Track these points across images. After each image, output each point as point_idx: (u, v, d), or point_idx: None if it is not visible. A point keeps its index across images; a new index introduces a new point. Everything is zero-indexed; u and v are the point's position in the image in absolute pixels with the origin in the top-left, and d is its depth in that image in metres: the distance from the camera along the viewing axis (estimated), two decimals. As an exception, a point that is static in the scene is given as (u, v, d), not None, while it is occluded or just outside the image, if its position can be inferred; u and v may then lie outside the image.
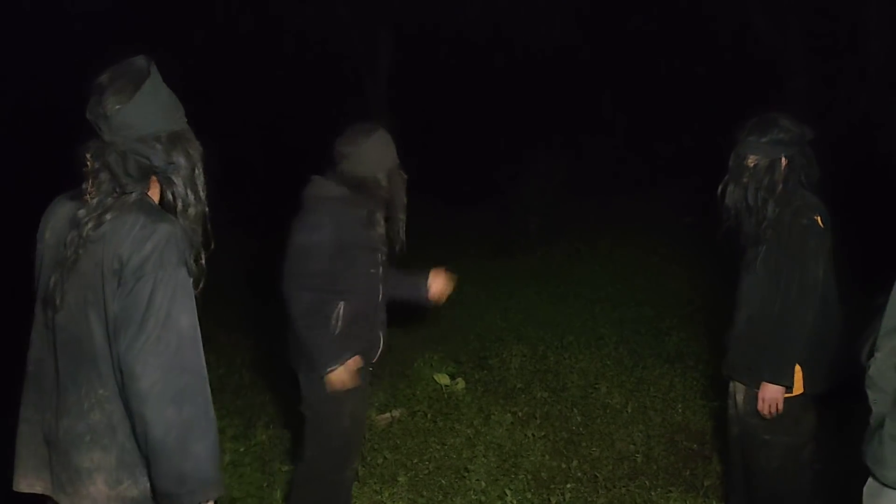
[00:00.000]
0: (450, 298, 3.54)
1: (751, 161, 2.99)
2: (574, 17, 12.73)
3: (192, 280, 1.87)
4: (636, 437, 4.59)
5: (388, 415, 4.87)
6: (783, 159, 2.96)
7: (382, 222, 3.18)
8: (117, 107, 1.77)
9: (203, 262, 1.96)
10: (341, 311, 3.11)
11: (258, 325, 6.67)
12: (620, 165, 13.60)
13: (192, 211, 1.90)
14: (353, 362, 3.10)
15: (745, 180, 2.99)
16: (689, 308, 7.18)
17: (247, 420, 4.63)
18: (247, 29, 11.65)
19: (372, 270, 3.18)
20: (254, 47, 11.91)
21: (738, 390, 3.21)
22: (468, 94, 14.24)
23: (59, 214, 1.91)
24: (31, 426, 1.92)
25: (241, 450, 4.23)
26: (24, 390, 1.96)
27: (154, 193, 1.91)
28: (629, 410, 4.93)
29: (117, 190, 1.81)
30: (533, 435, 4.57)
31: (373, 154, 3.08)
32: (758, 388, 3.01)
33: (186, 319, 1.80)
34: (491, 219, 11.27)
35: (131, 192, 1.81)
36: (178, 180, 1.88)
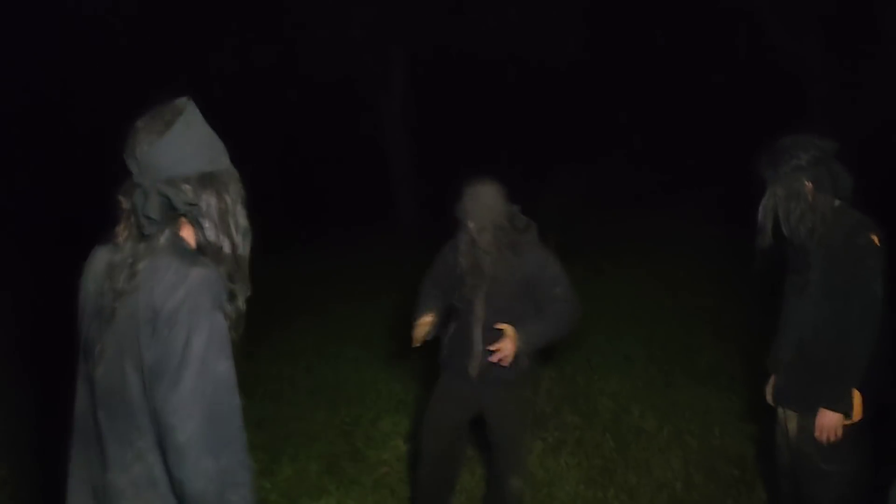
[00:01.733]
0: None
1: (780, 191, 2.86)
2: (587, 31, 12.61)
3: (229, 324, 1.77)
4: (674, 463, 4.40)
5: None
6: (807, 184, 2.82)
7: (464, 258, 3.38)
8: (146, 147, 1.71)
9: (242, 305, 1.86)
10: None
11: (279, 353, 6.58)
12: (639, 177, 13.47)
13: (225, 254, 1.81)
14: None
15: (778, 212, 2.86)
16: (719, 324, 6.99)
17: (271, 454, 4.48)
18: (262, 52, 11.63)
19: (456, 296, 3.46)
20: (268, 70, 11.90)
21: (790, 418, 3.03)
22: (482, 111, 14.17)
23: (98, 261, 1.84)
24: (78, 481, 1.85)
25: (268, 486, 4.09)
26: (71, 444, 1.88)
27: (188, 235, 1.81)
28: (665, 435, 4.74)
29: (142, 232, 1.72)
30: (566, 463, 4.40)
31: (465, 204, 3.39)
32: (813, 416, 2.83)
33: (223, 366, 1.70)
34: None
35: (156, 236, 1.72)
36: (205, 223, 1.79)
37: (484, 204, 3.33)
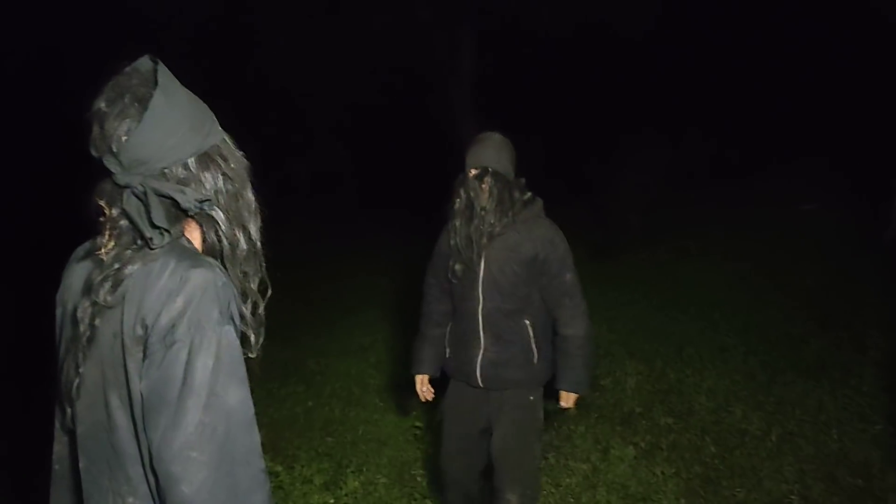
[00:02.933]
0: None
1: None
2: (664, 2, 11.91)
3: (241, 339, 1.39)
4: (786, 472, 3.88)
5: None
6: None
7: (460, 226, 2.93)
8: (124, 138, 1.32)
9: (262, 312, 1.49)
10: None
11: (346, 348, 6.28)
12: (724, 151, 12.69)
13: (241, 251, 1.45)
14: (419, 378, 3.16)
15: None
16: (825, 309, 6.35)
17: (337, 463, 4.16)
18: (328, 35, 11.40)
19: (454, 281, 3.00)
20: (336, 54, 11.66)
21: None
22: (555, 89, 13.61)
23: (77, 273, 1.47)
24: None
25: (332, 501, 3.77)
26: (51, 491, 1.54)
27: (192, 233, 1.44)
28: (773, 438, 4.22)
29: (138, 242, 1.35)
30: (662, 473, 3.93)
31: (466, 154, 2.94)
32: None
33: (235, 395, 1.31)
34: (586, 219, 10.59)
35: (159, 247, 1.35)
36: (219, 215, 1.41)
37: (487, 147, 2.91)
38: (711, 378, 5.11)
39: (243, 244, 1.45)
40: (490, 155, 2.90)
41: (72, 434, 1.44)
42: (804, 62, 12.98)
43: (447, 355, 3.14)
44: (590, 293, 7.55)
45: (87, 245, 1.50)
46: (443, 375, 3.20)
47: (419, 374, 3.18)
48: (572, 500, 3.77)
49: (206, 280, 1.31)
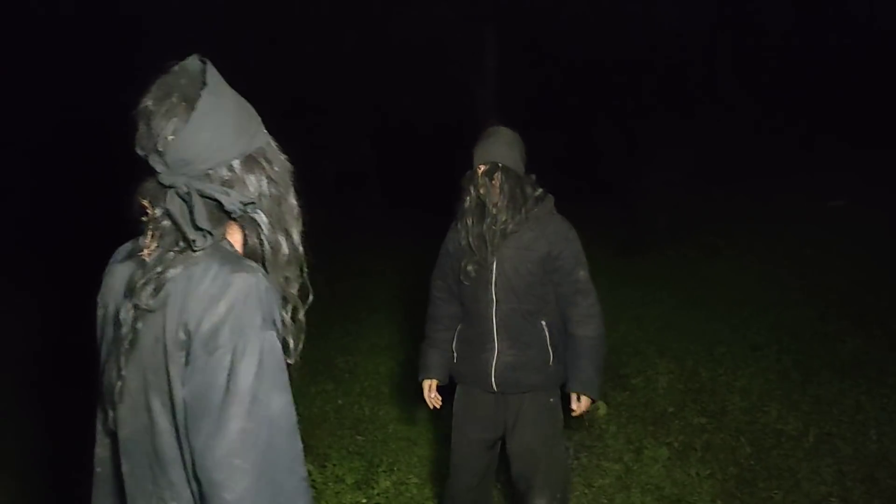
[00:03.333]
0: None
1: None
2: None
3: (283, 344, 1.37)
4: (825, 473, 3.82)
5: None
6: None
7: (471, 225, 2.82)
8: (170, 137, 1.30)
9: (302, 318, 1.47)
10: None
11: (374, 345, 6.27)
12: (751, 148, 12.53)
13: (282, 255, 1.42)
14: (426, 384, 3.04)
15: None
16: (859, 306, 6.25)
17: (368, 462, 4.16)
18: (352, 33, 11.43)
19: (466, 282, 2.89)
20: (360, 51, 11.68)
21: None
22: (580, 85, 13.51)
23: (118, 274, 1.46)
24: None
25: (364, 501, 3.77)
26: (93, 494, 1.53)
27: (233, 236, 1.42)
28: (810, 439, 4.15)
29: (181, 243, 1.33)
30: (697, 474, 3.88)
31: (474, 150, 2.85)
32: None
33: (278, 401, 1.29)
34: (612, 216, 10.52)
35: (201, 249, 1.33)
36: (262, 219, 1.39)
37: (496, 142, 2.82)
38: (745, 377, 5.04)
39: (285, 249, 1.42)
40: (500, 150, 2.81)
41: (114, 437, 1.43)
42: (829, 55, 12.80)
43: (455, 360, 3.02)
44: (617, 291, 7.58)
45: (128, 246, 1.49)
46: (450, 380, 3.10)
47: (427, 380, 3.05)
48: (606, 500, 3.73)
49: (248, 285, 1.29)
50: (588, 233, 9.76)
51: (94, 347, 1.52)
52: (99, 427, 1.50)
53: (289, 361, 1.39)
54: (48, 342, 5.82)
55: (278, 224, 1.42)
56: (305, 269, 1.48)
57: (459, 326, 3.02)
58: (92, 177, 9.28)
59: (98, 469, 1.51)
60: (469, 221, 2.82)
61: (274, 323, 1.32)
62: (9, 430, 4.85)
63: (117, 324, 1.35)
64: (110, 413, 1.40)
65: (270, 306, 1.32)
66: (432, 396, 3.05)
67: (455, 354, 3.02)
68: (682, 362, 5.40)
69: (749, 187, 11.21)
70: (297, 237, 1.45)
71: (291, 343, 1.43)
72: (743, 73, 13.48)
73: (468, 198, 2.82)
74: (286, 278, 1.43)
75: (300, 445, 1.34)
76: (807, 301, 6.57)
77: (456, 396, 3.07)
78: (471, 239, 2.82)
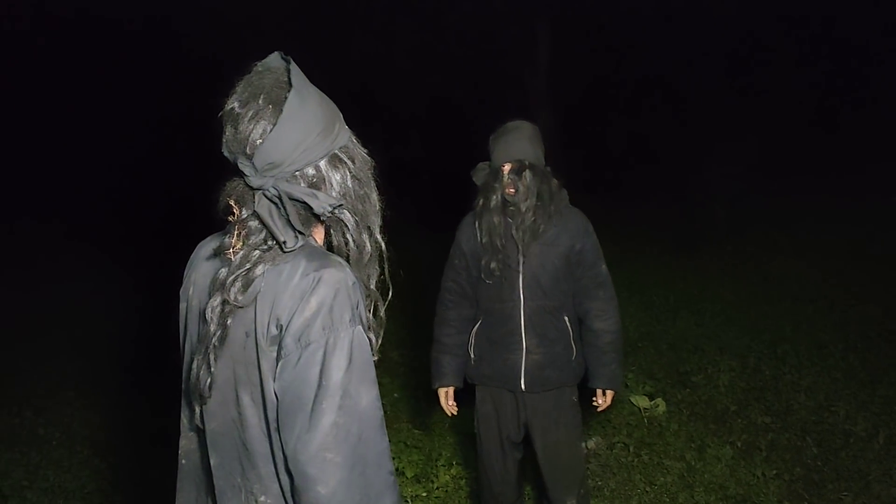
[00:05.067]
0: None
1: None
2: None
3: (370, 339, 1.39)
4: (897, 476, 3.71)
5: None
6: None
7: (497, 223, 2.77)
8: (258, 141, 1.31)
9: (383, 314, 1.47)
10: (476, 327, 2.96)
11: (430, 339, 6.29)
12: (812, 143, 12.20)
13: (367, 253, 1.43)
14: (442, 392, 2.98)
15: None
16: (929, 306, 6.04)
17: (427, 455, 4.18)
18: (404, 27, 11.47)
19: (488, 281, 2.83)
20: (412, 46, 11.71)
21: None
22: (635, 80, 13.32)
23: (203, 268, 1.48)
24: None
25: (424, 494, 3.79)
26: (178, 485, 1.56)
27: (317, 234, 1.43)
28: (881, 441, 4.03)
29: (269, 243, 1.34)
30: (763, 474, 3.80)
31: (495, 146, 2.79)
32: None
33: (368, 395, 1.30)
34: (669, 211, 10.38)
35: (292, 250, 1.33)
36: (348, 219, 1.39)
37: (520, 138, 2.74)
38: (810, 376, 4.92)
39: (369, 247, 1.43)
40: (525, 147, 2.74)
41: (199, 430, 1.46)
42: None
43: (472, 361, 2.94)
44: (677, 286, 7.44)
45: (210, 242, 1.51)
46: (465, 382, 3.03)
47: (443, 387, 2.97)
48: (668, 499, 3.68)
49: (338, 280, 1.30)
50: (644, 227, 9.75)
51: (176, 339, 1.56)
52: (184, 420, 1.53)
53: (374, 357, 1.39)
54: (136, 329, 6.02)
55: (363, 222, 1.42)
56: (386, 265, 1.49)
57: (476, 327, 2.94)
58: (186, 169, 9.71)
59: (183, 461, 1.54)
60: (494, 220, 2.76)
61: (360, 317, 1.33)
62: (98, 414, 5.03)
63: (204, 320, 1.36)
64: (197, 407, 1.42)
65: (357, 301, 1.33)
66: (450, 404, 2.99)
67: (473, 357, 2.95)
68: (744, 360, 5.30)
69: (810, 184, 10.92)
70: (378, 233, 1.45)
71: (373, 338, 1.41)
72: (806, 66, 13.11)
73: (493, 196, 2.76)
74: (368, 275, 1.44)
75: (387, 440, 1.35)
76: (872, 299, 6.39)
77: (478, 398, 3.01)
78: (496, 238, 2.76)
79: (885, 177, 10.53)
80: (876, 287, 6.70)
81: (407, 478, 3.90)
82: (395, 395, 5.08)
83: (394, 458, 4.13)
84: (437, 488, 3.83)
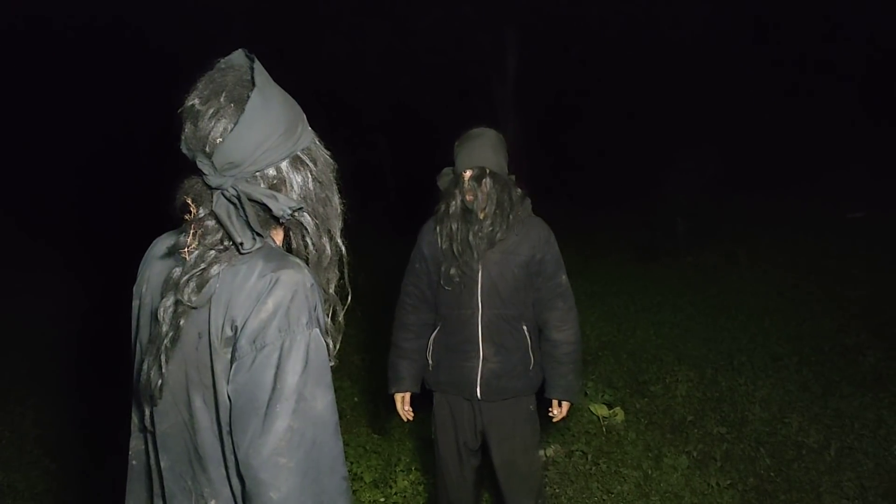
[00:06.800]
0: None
1: None
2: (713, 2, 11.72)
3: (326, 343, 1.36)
4: (847, 487, 3.78)
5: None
6: None
7: (456, 230, 2.75)
8: (219, 139, 1.28)
9: (342, 319, 1.45)
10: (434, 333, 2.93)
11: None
12: (773, 157, 12.46)
13: (326, 257, 1.40)
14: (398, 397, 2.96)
15: None
16: (880, 319, 6.19)
17: (385, 460, 4.16)
18: (374, 31, 11.44)
19: (447, 287, 2.81)
20: (381, 50, 11.69)
21: None
22: (601, 91, 13.46)
23: (157, 266, 1.44)
24: None
25: (382, 499, 3.76)
26: (127, 486, 1.52)
27: (276, 235, 1.41)
28: (832, 453, 4.11)
29: (225, 243, 1.31)
30: (717, 484, 3.85)
31: (458, 152, 2.77)
32: None
33: (323, 400, 1.27)
34: (631, 221, 10.49)
35: (249, 252, 1.30)
36: (308, 222, 1.37)
37: (482, 146, 2.72)
38: (765, 388, 5.01)
39: (329, 250, 1.41)
40: (487, 154, 2.72)
41: (150, 431, 1.42)
42: (847, 69, 12.71)
43: (430, 368, 2.92)
44: (636, 296, 7.52)
45: (165, 239, 1.47)
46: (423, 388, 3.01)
47: (399, 392, 2.95)
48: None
49: (295, 282, 1.27)
50: (606, 236, 9.84)
51: (128, 338, 1.51)
52: (135, 420, 1.49)
53: (331, 363, 1.37)
54: (89, 327, 5.88)
55: (323, 225, 1.40)
56: (345, 269, 1.47)
57: (434, 334, 2.92)
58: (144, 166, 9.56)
59: (133, 462, 1.50)
60: (453, 226, 2.75)
61: (318, 320, 1.31)
62: (49, 413, 4.90)
63: (156, 320, 1.33)
64: (147, 408, 1.39)
65: (315, 303, 1.30)
66: (406, 409, 2.96)
67: (430, 363, 2.92)
68: (702, 370, 5.37)
69: (767, 198, 11.14)
70: (339, 237, 1.43)
71: (330, 343, 1.39)
72: (768, 76, 13.39)
73: (453, 202, 2.76)
74: (328, 280, 1.42)
75: (341, 445, 1.32)
76: (827, 312, 6.53)
77: (435, 405, 2.99)
78: (455, 245, 2.75)
79: (841, 192, 10.81)
80: (830, 301, 6.85)
81: (365, 483, 3.87)
82: (355, 399, 5.05)
83: (352, 463, 4.11)
84: (396, 493, 3.80)
